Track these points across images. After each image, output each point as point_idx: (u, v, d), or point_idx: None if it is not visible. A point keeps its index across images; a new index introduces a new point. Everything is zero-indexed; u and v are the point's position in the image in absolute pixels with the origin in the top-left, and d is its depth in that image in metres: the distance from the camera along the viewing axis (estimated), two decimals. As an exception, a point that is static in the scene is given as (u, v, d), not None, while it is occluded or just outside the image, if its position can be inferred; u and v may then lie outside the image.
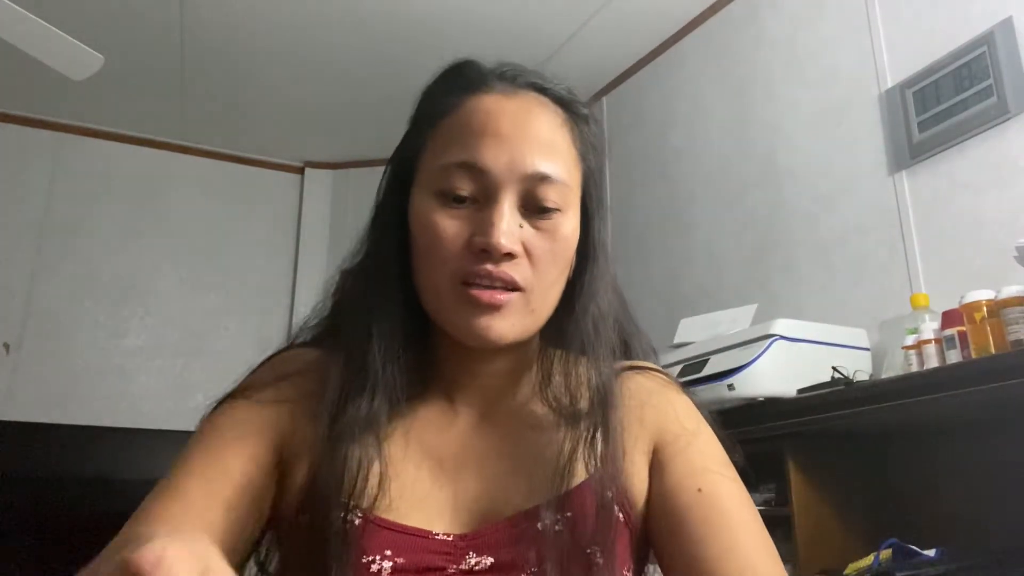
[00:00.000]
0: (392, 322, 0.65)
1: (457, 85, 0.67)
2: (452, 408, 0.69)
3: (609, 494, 0.63)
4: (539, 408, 0.68)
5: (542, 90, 0.67)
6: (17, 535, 2.90)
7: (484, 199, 0.62)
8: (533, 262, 0.63)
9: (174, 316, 3.51)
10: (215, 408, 0.67)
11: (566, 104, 0.68)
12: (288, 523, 0.64)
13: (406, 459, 0.65)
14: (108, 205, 3.50)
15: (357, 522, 0.60)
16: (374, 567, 0.59)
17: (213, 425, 0.65)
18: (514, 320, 0.63)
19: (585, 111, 0.69)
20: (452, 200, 0.63)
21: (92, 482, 3.14)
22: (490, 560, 0.61)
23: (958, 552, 1.43)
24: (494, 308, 0.61)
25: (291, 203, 3.90)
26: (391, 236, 0.68)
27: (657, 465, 0.67)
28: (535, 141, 0.63)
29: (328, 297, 0.73)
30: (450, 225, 0.62)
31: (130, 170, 3.57)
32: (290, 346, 0.73)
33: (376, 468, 0.62)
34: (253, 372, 0.71)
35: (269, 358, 0.72)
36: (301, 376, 0.68)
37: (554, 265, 0.64)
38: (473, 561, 0.61)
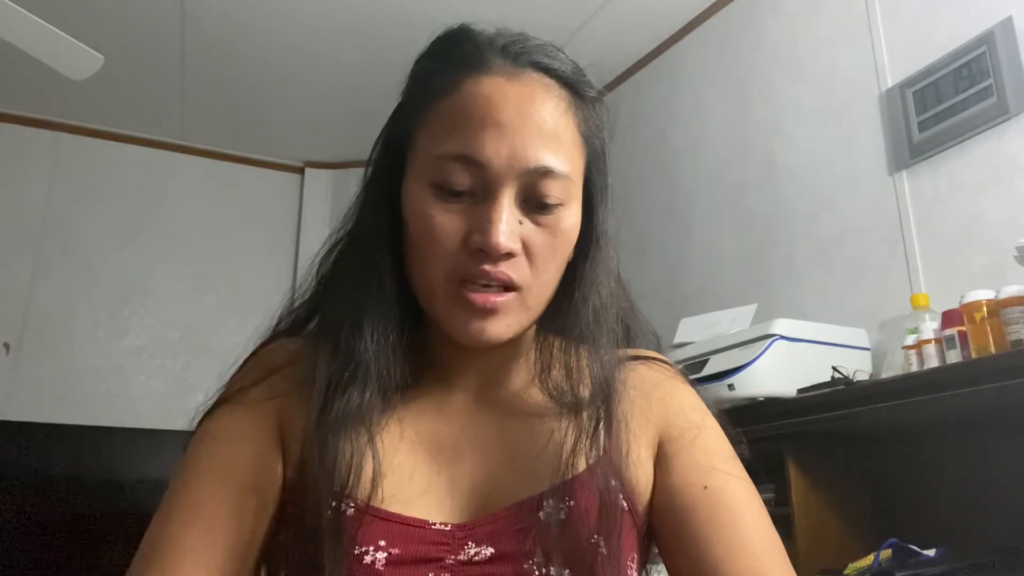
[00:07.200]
0: (385, 310, 0.63)
1: (453, 61, 0.63)
2: (448, 393, 0.67)
3: (613, 482, 0.61)
4: (538, 395, 0.66)
5: (547, 70, 0.62)
6: (16, 535, 2.90)
7: (482, 193, 0.60)
8: (531, 259, 0.61)
9: (174, 316, 3.51)
10: (208, 415, 0.64)
11: (572, 85, 0.63)
12: (281, 513, 0.62)
13: (401, 447, 0.63)
14: (108, 205, 3.50)
15: (350, 512, 0.58)
16: (367, 558, 0.57)
17: (209, 435, 0.63)
18: (510, 320, 0.61)
19: (592, 92, 0.65)
20: (448, 194, 0.60)
21: (91, 482, 3.13)
22: (490, 550, 0.59)
23: (958, 552, 1.43)
24: (489, 312, 0.59)
25: (291, 203, 3.90)
26: (382, 219, 0.64)
27: (662, 459, 0.65)
28: (537, 132, 0.59)
29: (313, 278, 0.70)
30: (445, 220, 0.59)
31: (130, 170, 3.57)
32: (275, 336, 0.70)
33: (369, 459, 0.59)
34: (241, 369, 0.68)
35: (255, 352, 0.69)
36: (292, 367, 0.65)
37: (553, 261, 0.62)
38: (472, 551, 0.59)
